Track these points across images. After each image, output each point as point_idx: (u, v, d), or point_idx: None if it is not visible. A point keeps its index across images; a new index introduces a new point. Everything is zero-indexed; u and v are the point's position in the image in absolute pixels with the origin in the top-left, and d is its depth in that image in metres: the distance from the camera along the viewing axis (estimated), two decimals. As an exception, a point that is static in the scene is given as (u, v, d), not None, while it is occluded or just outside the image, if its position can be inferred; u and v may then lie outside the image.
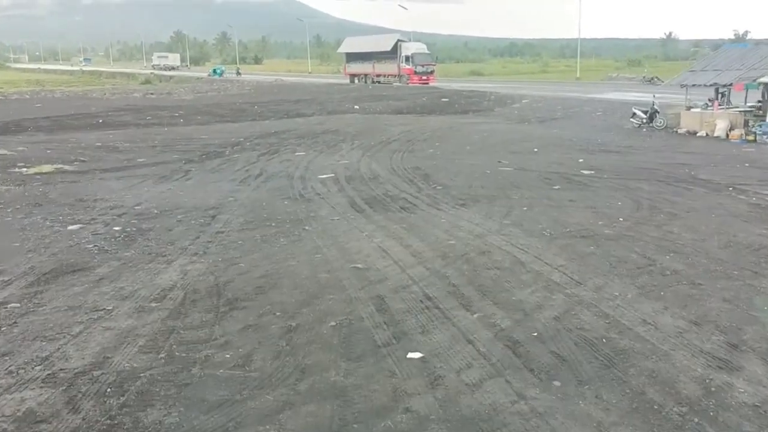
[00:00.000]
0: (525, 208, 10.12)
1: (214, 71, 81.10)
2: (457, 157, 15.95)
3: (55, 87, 60.70)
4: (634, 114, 22.50)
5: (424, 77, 51.94)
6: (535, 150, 16.90)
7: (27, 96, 44.93)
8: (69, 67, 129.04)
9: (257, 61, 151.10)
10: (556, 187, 11.86)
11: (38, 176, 13.46)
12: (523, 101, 33.40)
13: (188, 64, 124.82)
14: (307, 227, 9.07)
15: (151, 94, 45.51)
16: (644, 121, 22.03)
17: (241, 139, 20.27)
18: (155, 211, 10.11)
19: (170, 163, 15.61)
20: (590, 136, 19.76)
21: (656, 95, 23.83)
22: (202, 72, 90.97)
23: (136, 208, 10.37)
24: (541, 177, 12.95)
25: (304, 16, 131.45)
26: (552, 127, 23.10)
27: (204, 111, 30.89)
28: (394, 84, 52.81)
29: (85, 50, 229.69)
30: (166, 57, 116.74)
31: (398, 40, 54.31)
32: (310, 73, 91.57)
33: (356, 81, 59.03)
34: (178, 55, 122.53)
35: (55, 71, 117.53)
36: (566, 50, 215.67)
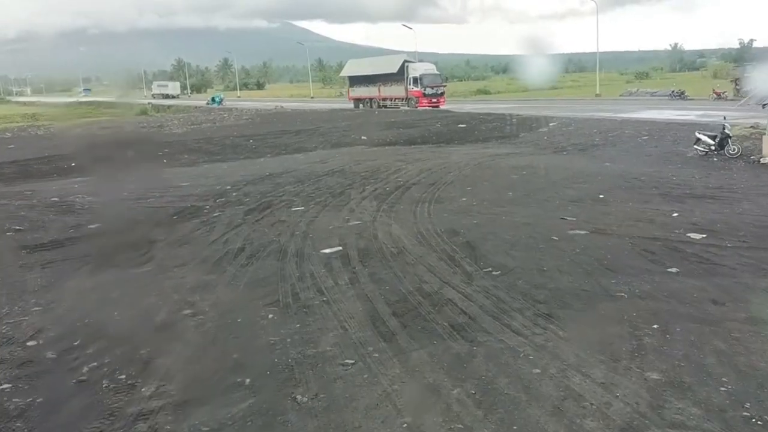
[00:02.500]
0: (656, 326, 6.28)
1: (213, 99, 78.09)
2: (502, 211, 12.22)
3: (48, 122, 57.72)
4: (699, 140, 18.72)
5: (434, 100, 48.35)
6: (601, 196, 13.12)
7: (8, 134, 41.72)
8: (68, 99, 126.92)
9: (260, 86, 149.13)
10: (672, 270, 8.04)
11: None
12: (551, 124, 29.69)
13: (189, 92, 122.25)
14: (299, 395, 5.25)
15: (142, 127, 42.15)
16: (712, 148, 18.26)
17: (228, 187, 16.66)
18: (48, 353, 6.23)
19: (130, 230, 11.95)
20: (657, 172, 15.98)
21: (725, 117, 20.05)
22: (203, 100, 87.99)
23: (25, 343, 6.59)
24: (634, 247, 9.14)
25: (305, 40, 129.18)
26: (598, 157, 19.37)
27: (193, 148, 27.44)
28: (402, 108, 49.29)
29: (89, 80, 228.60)
30: (166, 86, 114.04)
31: (405, 61, 50.80)
32: (312, 98, 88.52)
33: (361, 106, 55.57)
34: (178, 83, 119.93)
35: (54, 104, 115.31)
36: (569, 65, 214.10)
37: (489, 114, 36.38)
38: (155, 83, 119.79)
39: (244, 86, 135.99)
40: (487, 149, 22.66)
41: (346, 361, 5.88)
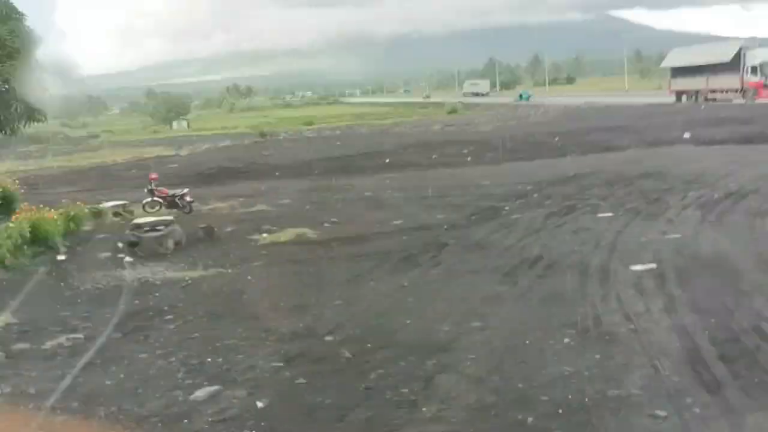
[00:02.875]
0: None
1: (521, 96, 78.36)
2: None
3: (374, 120, 64.09)
4: None
5: (778, 91, 40.79)
6: None
7: (337, 132, 47.33)
8: (391, 99, 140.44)
9: (569, 81, 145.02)
10: None
11: (265, 251, 11.12)
12: None
13: (498, 89, 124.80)
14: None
15: (450, 125, 44.05)
16: None
17: (530, 188, 16.01)
18: (344, 352, 6.27)
19: (427, 229, 12.11)
20: None
21: None
22: (512, 97, 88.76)
23: (324, 338, 6.89)
24: None
25: (623, 31, 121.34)
26: None
27: (497, 146, 27.37)
28: (735, 101, 42.57)
29: (408, 82, 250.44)
30: (477, 84, 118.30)
31: (741, 48, 43.69)
32: (627, 91, 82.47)
33: (683, 99, 49.67)
34: (488, 81, 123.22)
35: (378, 104, 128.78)
36: None
37: None
38: (467, 82, 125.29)
39: (554, 81, 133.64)
40: None
41: (657, 412, 4.74)
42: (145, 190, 15.71)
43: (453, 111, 68.02)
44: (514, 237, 10.88)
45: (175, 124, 77.63)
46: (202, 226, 12.60)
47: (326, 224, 13.19)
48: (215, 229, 12.50)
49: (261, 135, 49.77)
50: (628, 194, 14.11)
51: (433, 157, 25.49)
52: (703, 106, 41.44)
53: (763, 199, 12.32)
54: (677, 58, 54.50)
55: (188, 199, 15.53)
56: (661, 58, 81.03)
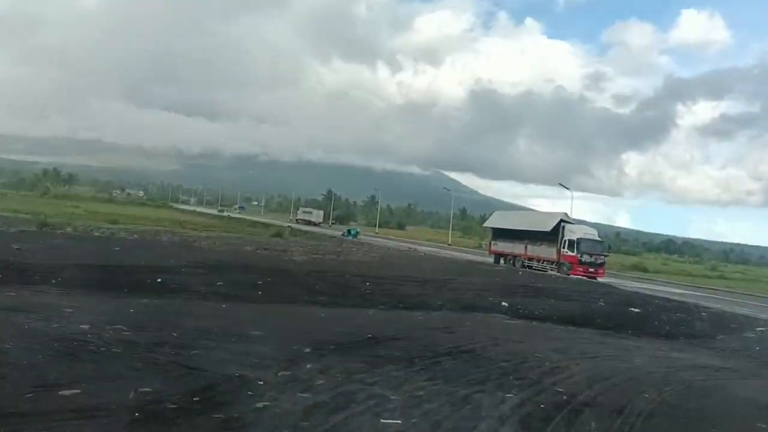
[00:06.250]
0: None
1: (348, 232, 76.89)
2: None
3: (192, 230, 58.52)
4: None
5: (592, 270, 41.62)
6: None
7: (134, 236, 40.83)
8: (223, 213, 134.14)
9: (400, 226, 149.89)
10: None
11: None
12: (759, 329, 22.15)
13: (330, 221, 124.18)
14: None
15: (265, 249, 39.58)
16: None
17: (308, 350, 11.56)
18: None
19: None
20: None
21: None
22: (341, 231, 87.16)
23: None
24: None
25: (454, 190, 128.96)
26: None
27: (300, 282, 23.11)
28: (551, 272, 42.97)
29: (248, 199, 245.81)
30: (310, 212, 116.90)
31: (561, 220, 45.06)
32: (449, 245, 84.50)
33: (502, 261, 49.98)
34: (322, 212, 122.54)
35: (208, 215, 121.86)
36: (731, 255, 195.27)
37: (666, 299, 29.18)
38: (301, 209, 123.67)
39: (385, 224, 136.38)
40: (682, 354, 15.89)
41: None
42: None
43: (278, 234, 64.37)
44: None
45: (-42, 199, 68.48)
46: None
47: None
48: None
49: (40, 225, 42.49)
50: (429, 382, 10.11)
51: (218, 283, 20.52)
52: (520, 272, 41.02)
53: (606, 419, 8.85)
54: (500, 219, 55.70)
55: None
56: (483, 219, 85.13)
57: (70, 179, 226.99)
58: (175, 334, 12.12)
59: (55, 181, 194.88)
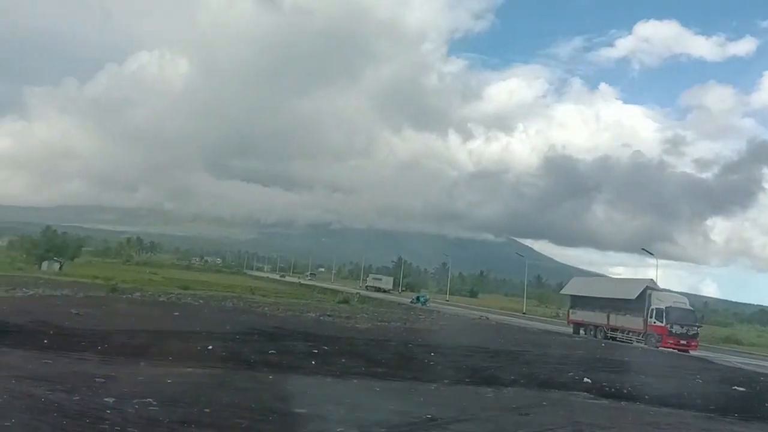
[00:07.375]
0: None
1: (417, 299, 74.77)
2: None
3: (262, 297, 58.07)
4: None
5: (684, 342, 37.61)
6: None
7: (200, 301, 40.51)
8: (294, 279, 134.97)
9: (472, 294, 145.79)
10: None
11: None
12: None
13: (401, 288, 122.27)
14: None
15: (329, 315, 38.15)
16: None
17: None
18: None
19: None
20: None
21: None
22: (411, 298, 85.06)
23: None
24: None
25: (528, 257, 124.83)
26: None
27: (359, 351, 21.42)
28: (637, 344, 39.28)
29: (320, 267, 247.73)
30: (380, 279, 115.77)
31: (647, 287, 41.44)
32: (524, 313, 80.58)
33: (582, 332, 46.43)
34: (392, 278, 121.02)
35: (279, 281, 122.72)
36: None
37: (776, 377, 25.48)
38: (370, 276, 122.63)
39: (457, 291, 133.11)
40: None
41: None
42: None
43: (344, 301, 63.04)
44: None
45: (45, 264, 72.15)
46: None
47: None
48: None
49: (111, 290, 43.40)
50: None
51: (269, 351, 19.17)
52: (603, 344, 37.59)
53: None
54: (579, 287, 51.78)
55: None
56: (559, 287, 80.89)
57: (153, 247, 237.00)
58: (207, 410, 10.74)
59: (138, 249, 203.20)
